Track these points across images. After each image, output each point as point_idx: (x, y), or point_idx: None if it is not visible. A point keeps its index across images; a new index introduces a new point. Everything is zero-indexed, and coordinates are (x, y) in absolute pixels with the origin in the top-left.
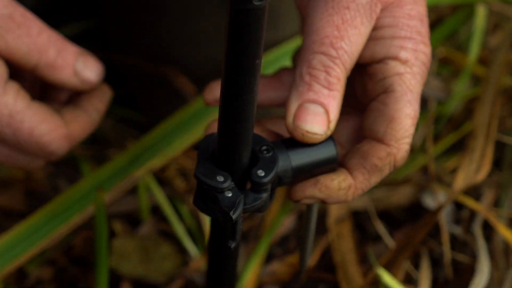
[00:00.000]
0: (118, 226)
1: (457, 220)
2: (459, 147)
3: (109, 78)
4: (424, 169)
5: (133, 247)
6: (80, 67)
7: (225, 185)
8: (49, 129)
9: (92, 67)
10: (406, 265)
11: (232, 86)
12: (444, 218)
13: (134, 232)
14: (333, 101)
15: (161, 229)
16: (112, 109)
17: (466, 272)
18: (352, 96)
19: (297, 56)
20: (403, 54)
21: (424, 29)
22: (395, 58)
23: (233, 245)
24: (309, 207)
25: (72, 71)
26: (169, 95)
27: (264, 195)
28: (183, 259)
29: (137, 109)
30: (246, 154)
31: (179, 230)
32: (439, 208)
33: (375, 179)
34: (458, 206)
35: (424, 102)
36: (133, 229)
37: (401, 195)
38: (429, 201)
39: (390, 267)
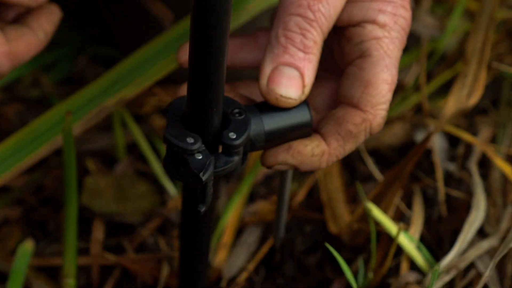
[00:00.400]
0: (91, 164)
1: (451, 158)
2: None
3: (84, 16)
4: (417, 108)
5: (107, 185)
6: None
7: (195, 146)
8: None
9: None
10: (396, 201)
11: (201, 45)
12: (438, 156)
13: (109, 171)
14: (309, 64)
15: (137, 168)
16: (87, 46)
17: (461, 209)
18: (329, 60)
19: (274, 16)
20: (381, 18)
21: None
22: (373, 21)
23: (203, 209)
24: (282, 174)
25: None
26: (146, 27)
27: (236, 158)
28: (160, 199)
29: (114, 47)
30: (217, 117)
31: (157, 168)
32: (429, 136)
33: (349, 146)
34: (453, 143)
35: (417, 40)
36: (108, 168)
37: (393, 134)
38: (422, 138)
39: (379, 203)
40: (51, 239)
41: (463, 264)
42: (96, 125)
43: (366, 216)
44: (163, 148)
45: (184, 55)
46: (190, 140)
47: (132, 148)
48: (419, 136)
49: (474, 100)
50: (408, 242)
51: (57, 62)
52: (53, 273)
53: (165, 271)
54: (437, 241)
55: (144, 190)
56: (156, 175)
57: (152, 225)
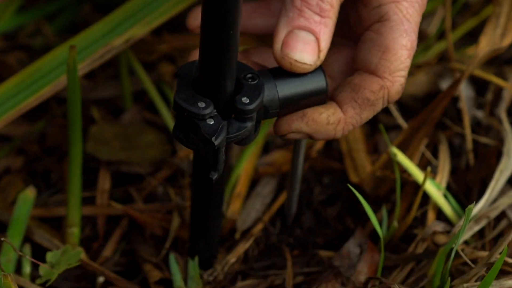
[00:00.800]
0: (97, 113)
1: (479, 106)
2: (478, 35)
3: None
4: (440, 58)
5: (114, 134)
6: None
7: (207, 111)
8: None
9: None
10: (422, 149)
11: (214, 9)
12: (465, 103)
13: (115, 120)
14: (325, 28)
15: (145, 117)
16: None
17: (490, 157)
18: (345, 25)
19: None
20: None
21: None
22: None
23: (215, 176)
24: (296, 143)
25: None
26: None
27: (249, 125)
28: (170, 148)
29: None
30: (230, 82)
31: (167, 116)
32: (458, 80)
33: (366, 114)
34: (480, 92)
35: None
36: (115, 117)
37: (416, 84)
38: (447, 86)
39: (404, 151)
40: (54, 189)
41: (493, 213)
42: (103, 73)
43: (389, 165)
44: (172, 95)
45: (194, 20)
46: (201, 104)
47: (140, 97)
48: (445, 85)
49: (508, 40)
50: (435, 190)
51: (60, 10)
52: (57, 224)
53: (175, 222)
54: (464, 191)
55: (153, 139)
56: (166, 123)
57: (162, 174)
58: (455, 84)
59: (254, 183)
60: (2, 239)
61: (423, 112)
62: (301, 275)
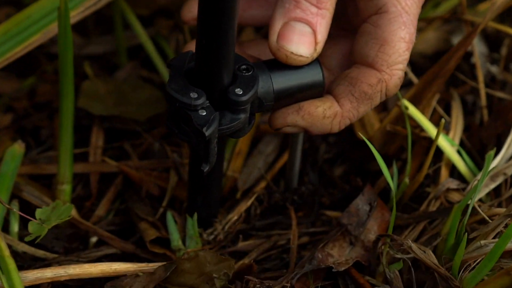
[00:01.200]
0: (89, 69)
1: (493, 61)
2: None
3: None
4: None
5: (108, 90)
6: None
7: (199, 102)
8: None
9: None
10: (434, 104)
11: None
12: (479, 58)
13: (109, 76)
14: (322, 20)
15: (141, 75)
16: None
17: (506, 112)
18: (343, 17)
19: None
20: None
21: None
22: None
23: (206, 168)
24: (294, 137)
25: None
26: None
27: (242, 116)
28: (166, 106)
29: None
30: (227, 73)
31: (164, 72)
32: (473, 31)
33: (364, 108)
34: (493, 49)
35: None
36: (109, 74)
37: (425, 41)
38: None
39: (416, 104)
40: (44, 147)
41: (510, 170)
42: (96, 29)
43: (399, 121)
44: (170, 51)
45: (188, 12)
46: (193, 95)
47: (135, 53)
48: (456, 41)
49: None
50: (449, 146)
51: None
52: (47, 183)
53: (172, 180)
54: (479, 149)
55: (149, 95)
56: (163, 80)
57: (159, 131)
58: (469, 36)
59: (256, 141)
60: None
61: (435, 66)
62: (306, 235)
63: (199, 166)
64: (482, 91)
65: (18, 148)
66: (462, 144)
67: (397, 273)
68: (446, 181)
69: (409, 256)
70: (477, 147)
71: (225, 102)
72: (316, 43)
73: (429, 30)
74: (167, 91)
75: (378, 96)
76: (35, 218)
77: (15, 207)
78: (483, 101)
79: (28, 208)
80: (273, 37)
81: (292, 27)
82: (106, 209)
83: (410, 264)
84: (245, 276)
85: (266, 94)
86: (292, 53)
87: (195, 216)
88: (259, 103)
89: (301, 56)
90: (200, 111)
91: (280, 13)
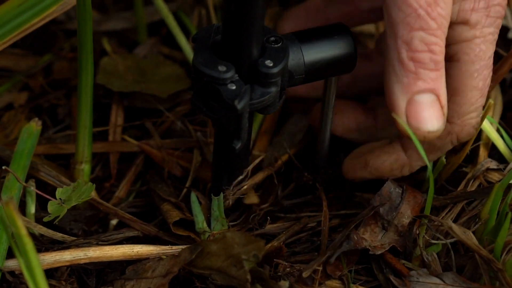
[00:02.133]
0: (108, 45)
1: None
2: None
3: None
4: None
5: (127, 66)
6: None
7: (228, 75)
8: None
9: None
10: None
11: None
12: None
13: (129, 53)
14: (441, 80)
15: (162, 52)
16: None
17: None
18: None
19: (386, 35)
20: (474, 17)
21: None
22: (465, 22)
23: (238, 145)
24: (323, 116)
25: None
26: None
27: (273, 90)
28: (190, 82)
29: None
30: (256, 44)
31: (186, 48)
32: None
33: (433, 157)
34: None
35: None
36: (129, 51)
37: None
38: None
39: None
40: (61, 126)
41: None
42: (116, 6)
43: None
44: (192, 27)
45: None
46: (222, 68)
47: (156, 30)
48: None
49: None
50: (488, 124)
51: None
52: (64, 163)
53: (196, 160)
54: None
55: (170, 72)
56: (186, 56)
57: (181, 109)
58: None
59: (283, 119)
60: (4, 167)
61: None
62: (337, 217)
63: (228, 143)
64: None
65: (34, 126)
66: (501, 124)
67: (435, 256)
68: (485, 160)
69: (447, 238)
70: None
71: (255, 75)
72: (442, 107)
73: None
74: (193, 65)
75: (449, 145)
76: (54, 199)
77: (32, 186)
78: None
79: (44, 190)
80: (402, 117)
81: (418, 103)
82: (127, 190)
83: (450, 246)
84: (275, 259)
85: (296, 67)
86: (429, 132)
87: (221, 196)
88: (289, 76)
89: (437, 131)
90: (229, 85)
91: (400, 88)
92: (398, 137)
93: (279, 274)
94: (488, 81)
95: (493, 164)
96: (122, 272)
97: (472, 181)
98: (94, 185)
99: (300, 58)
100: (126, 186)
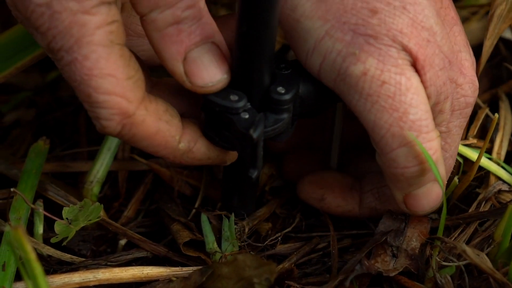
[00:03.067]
0: None
1: None
2: None
3: None
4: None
5: None
6: None
7: (240, 104)
8: None
9: None
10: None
11: None
12: None
13: None
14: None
15: None
16: None
17: None
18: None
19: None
20: (439, 118)
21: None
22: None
23: (255, 174)
24: (333, 138)
25: None
26: None
27: (286, 116)
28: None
29: None
30: (267, 72)
31: None
32: None
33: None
34: None
35: None
36: None
37: (471, 32)
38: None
39: None
40: (69, 144)
41: None
42: None
43: None
44: None
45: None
46: (234, 97)
47: None
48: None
49: None
50: (492, 164)
51: None
52: (72, 181)
53: (206, 179)
54: None
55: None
56: None
57: None
58: None
59: None
60: (12, 189)
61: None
62: (348, 237)
63: (241, 168)
64: None
65: (42, 144)
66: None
67: (449, 278)
68: (497, 183)
69: (460, 260)
70: None
71: (267, 103)
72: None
73: (472, 20)
74: (203, 95)
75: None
76: (61, 219)
77: (40, 207)
78: None
79: (52, 208)
80: (402, 206)
81: (415, 195)
82: (135, 210)
83: (463, 268)
84: (286, 282)
85: (307, 93)
86: (428, 212)
87: (232, 217)
88: (301, 102)
89: (435, 207)
90: (242, 114)
91: (398, 189)
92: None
93: None
94: (451, 169)
95: (505, 186)
96: None
97: (484, 202)
98: (102, 205)
99: (311, 84)
100: (135, 206)
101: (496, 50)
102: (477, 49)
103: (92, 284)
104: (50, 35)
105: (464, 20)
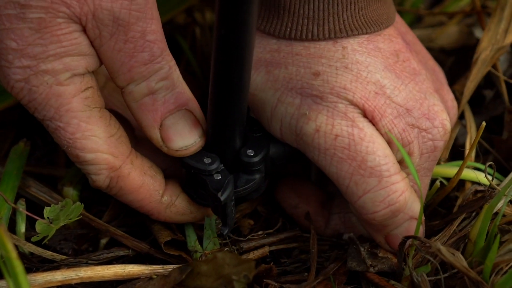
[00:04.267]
0: None
1: None
2: None
3: None
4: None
5: None
6: None
7: (213, 167)
8: None
9: None
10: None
11: (223, 65)
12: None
13: None
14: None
15: None
16: None
17: None
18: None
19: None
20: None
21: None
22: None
23: (225, 231)
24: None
25: None
26: None
27: (257, 177)
28: None
29: None
30: (239, 136)
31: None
32: None
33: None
34: None
35: None
36: None
37: (449, 36)
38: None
39: None
40: (51, 147)
41: None
42: None
43: None
44: (186, 46)
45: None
46: (207, 160)
47: None
48: (479, 34)
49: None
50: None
51: None
52: (52, 182)
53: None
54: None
55: None
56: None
57: None
58: None
59: None
60: None
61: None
62: (327, 240)
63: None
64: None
65: (23, 146)
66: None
67: (425, 276)
68: (473, 185)
69: (437, 259)
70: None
71: (239, 164)
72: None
73: (450, 24)
74: (181, 159)
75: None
76: (43, 218)
77: (21, 206)
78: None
79: (35, 206)
80: (386, 247)
81: (395, 234)
82: (117, 209)
83: (439, 267)
84: (264, 280)
85: (277, 154)
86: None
87: (214, 216)
88: (271, 162)
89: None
90: (215, 175)
91: (375, 231)
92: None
93: None
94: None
95: (480, 187)
96: None
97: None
98: (83, 204)
99: (280, 146)
100: (116, 206)
101: None
102: (456, 52)
103: (74, 282)
104: (32, 106)
105: (441, 24)
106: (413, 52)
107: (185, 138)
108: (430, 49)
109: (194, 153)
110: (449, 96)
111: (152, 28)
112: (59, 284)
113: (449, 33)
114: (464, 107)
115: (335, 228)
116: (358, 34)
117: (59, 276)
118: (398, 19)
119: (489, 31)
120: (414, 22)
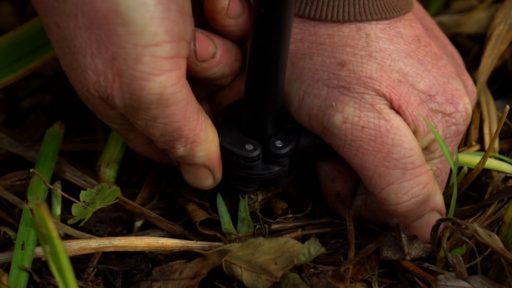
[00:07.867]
0: None
1: None
2: None
3: None
4: None
5: None
6: None
7: (255, 153)
8: None
9: None
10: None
11: (261, 57)
12: None
13: None
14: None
15: None
16: None
17: None
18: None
19: None
20: (433, 145)
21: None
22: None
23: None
24: None
25: None
26: None
27: (275, 168)
28: None
29: None
30: (272, 122)
31: None
32: None
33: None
34: None
35: None
36: None
37: (478, 21)
38: None
39: None
40: (84, 129)
41: None
42: None
43: None
44: None
45: None
46: (249, 147)
47: None
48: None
49: None
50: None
51: None
52: (88, 165)
53: None
54: None
55: None
56: None
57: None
58: None
59: None
60: (31, 170)
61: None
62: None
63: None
64: None
65: (58, 128)
66: None
67: (460, 258)
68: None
69: (471, 240)
70: None
71: (266, 153)
72: None
73: (479, 9)
74: (221, 144)
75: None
76: (79, 200)
77: (58, 188)
78: None
79: (69, 190)
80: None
81: (416, 226)
82: (149, 192)
83: (475, 248)
84: None
85: (307, 147)
86: None
87: (246, 198)
88: (300, 155)
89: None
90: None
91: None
92: None
93: (303, 275)
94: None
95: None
96: (149, 274)
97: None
98: (119, 188)
99: (311, 139)
100: (149, 188)
101: None
102: (484, 38)
103: (107, 249)
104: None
105: (471, 9)
106: (432, 37)
107: None
108: (457, 35)
109: (235, 140)
110: (469, 81)
111: None
112: (93, 251)
113: (478, 18)
114: (482, 93)
115: (357, 210)
116: (378, 19)
117: (93, 243)
118: (415, 4)
119: (504, 8)
120: (443, 8)
